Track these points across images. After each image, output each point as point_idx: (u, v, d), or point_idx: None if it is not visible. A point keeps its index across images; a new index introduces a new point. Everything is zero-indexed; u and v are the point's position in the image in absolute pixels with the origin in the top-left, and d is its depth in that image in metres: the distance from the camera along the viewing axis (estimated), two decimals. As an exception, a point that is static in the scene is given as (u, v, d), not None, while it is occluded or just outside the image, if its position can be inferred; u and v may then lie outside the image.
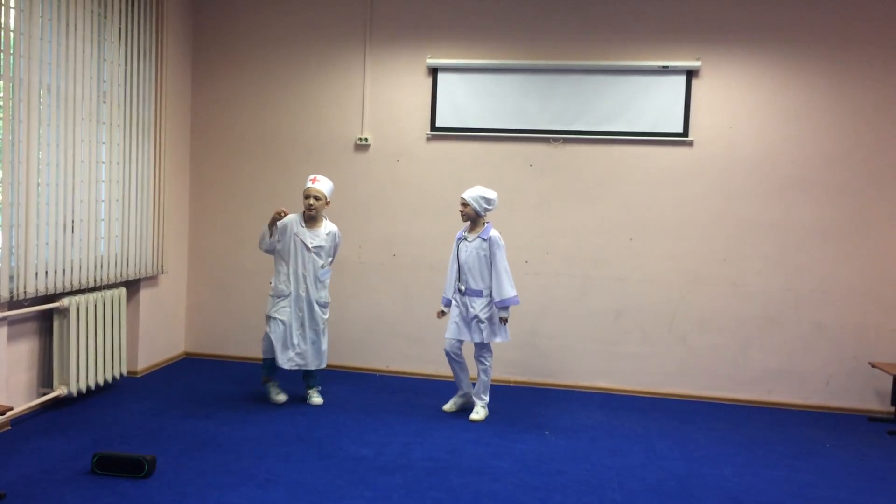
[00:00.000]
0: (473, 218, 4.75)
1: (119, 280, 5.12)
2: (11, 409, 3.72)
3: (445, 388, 5.48)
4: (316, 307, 4.86)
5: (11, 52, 4.08)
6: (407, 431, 4.49)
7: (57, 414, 4.52)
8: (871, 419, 5.20)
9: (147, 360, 5.66)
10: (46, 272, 4.40)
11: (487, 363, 4.80)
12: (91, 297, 4.74)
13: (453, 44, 5.72)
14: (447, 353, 4.84)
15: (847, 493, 3.80)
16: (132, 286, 5.44)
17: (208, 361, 6.07)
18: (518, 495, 3.58)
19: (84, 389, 4.71)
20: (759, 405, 5.44)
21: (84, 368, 4.69)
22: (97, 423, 4.38)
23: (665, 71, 5.45)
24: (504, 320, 4.72)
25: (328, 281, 4.96)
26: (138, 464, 3.57)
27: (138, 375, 5.52)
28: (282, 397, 4.96)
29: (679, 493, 3.70)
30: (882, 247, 5.31)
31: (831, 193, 5.35)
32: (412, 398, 5.23)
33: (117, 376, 5.09)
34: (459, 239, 4.82)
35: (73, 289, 4.64)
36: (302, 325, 4.83)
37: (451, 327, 4.81)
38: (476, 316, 4.71)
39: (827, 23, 5.29)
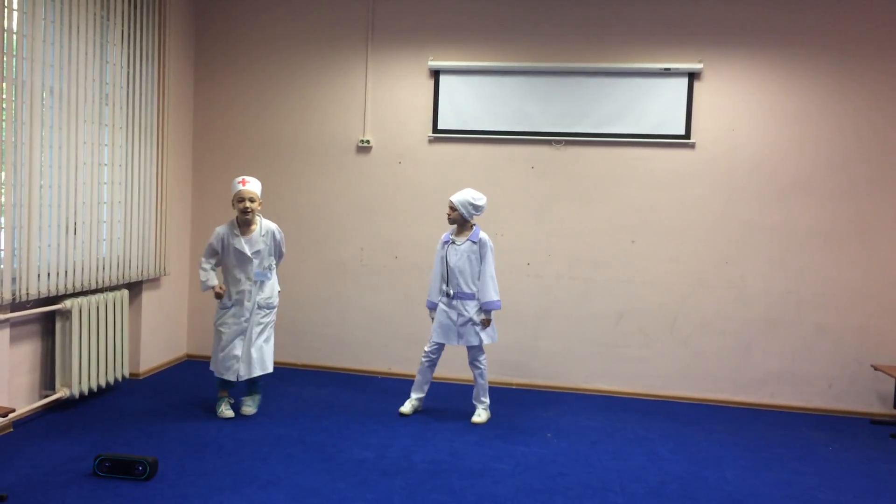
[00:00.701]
0: (460, 222, 4.72)
1: (121, 282, 5.12)
2: (14, 410, 3.72)
3: (446, 389, 5.48)
4: (258, 310, 4.59)
5: (14, 54, 4.09)
6: (408, 434, 4.48)
7: (59, 416, 4.52)
8: (874, 422, 5.19)
9: (149, 361, 5.66)
10: (49, 274, 4.40)
11: (482, 366, 4.77)
12: (93, 298, 4.75)
13: (455, 46, 5.73)
14: (426, 355, 4.81)
15: (850, 497, 3.79)
16: (134, 288, 5.44)
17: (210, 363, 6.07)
18: (520, 498, 3.57)
19: (86, 391, 4.71)
20: (762, 408, 5.43)
21: (86, 370, 4.69)
22: (99, 425, 4.39)
23: (667, 73, 5.45)
24: (486, 322, 4.70)
25: (271, 281, 4.68)
26: (140, 466, 3.57)
27: (140, 377, 5.53)
28: (229, 413, 4.64)
29: (681, 495, 3.70)
30: (884, 249, 5.30)
31: (834, 196, 5.34)
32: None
33: (119, 378, 5.09)
34: (446, 242, 4.78)
35: (76, 291, 4.65)
36: (244, 332, 4.58)
37: (437, 332, 4.76)
38: (470, 319, 4.67)
39: (829, 25, 5.28)
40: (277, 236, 4.71)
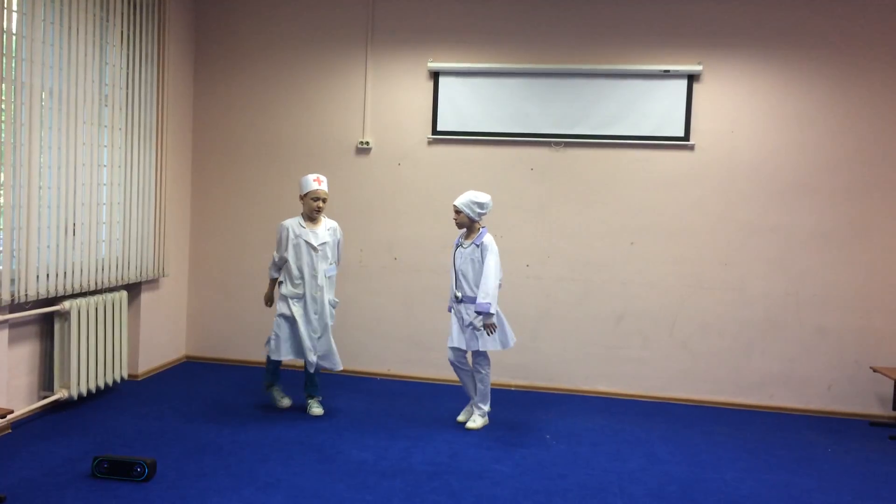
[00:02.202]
0: (467, 224, 4.66)
1: (120, 283, 5.12)
2: (12, 412, 3.71)
3: (446, 391, 5.47)
4: (328, 308, 4.78)
5: (13, 55, 4.09)
6: (407, 435, 4.48)
7: (57, 417, 4.52)
8: (873, 424, 5.19)
9: (148, 363, 5.66)
10: (48, 275, 4.40)
11: (484, 371, 4.69)
12: (92, 300, 4.75)
13: (455, 48, 5.73)
14: (451, 363, 4.74)
15: (849, 498, 3.79)
16: (133, 289, 5.44)
17: (209, 365, 6.07)
18: (519, 499, 3.57)
19: (85, 393, 4.71)
20: (761, 410, 5.43)
21: (85, 372, 4.69)
22: (98, 427, 4.38)
23: (666, 75, 5.45)
24: (489, 327, 4.46)
25: (335, 278, 4.90)
26: (139, 467, 3.57)
27: (139, 379, 5.52)
28: (286, 401, 4.94)
29: (680, 497, 3.70)
30: (884, 251, 5.31)
31: (833, 198, 5.35)
32: (413, 402, 5.23)
33: (118, 379, 5.09)
34: (457, 245, 4.76)
35: (75, 292, 4.64)
36: (312, 325, 4.74)
37: (450, 336, 4.72)
38: (471, 324, 4.59)
39: (828, 27, 5.29)
40: (338, 234, 4.92)
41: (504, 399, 5.38)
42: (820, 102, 5.34)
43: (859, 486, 3.97)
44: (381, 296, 5.94)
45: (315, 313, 4.74)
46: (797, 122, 5.37)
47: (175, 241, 5.92)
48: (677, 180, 5.51)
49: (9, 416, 4.06)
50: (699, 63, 5.43)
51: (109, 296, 4.95)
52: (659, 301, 5.57)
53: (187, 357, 6.22)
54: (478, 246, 4.63)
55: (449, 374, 5.68)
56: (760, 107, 5.40)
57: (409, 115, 5.82)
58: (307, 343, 4.69)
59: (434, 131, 5.77)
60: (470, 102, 5.71)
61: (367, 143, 5.87)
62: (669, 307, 5.56)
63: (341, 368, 4.88)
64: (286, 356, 4.75)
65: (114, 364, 5.02)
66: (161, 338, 5.83)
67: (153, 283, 5.65)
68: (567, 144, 5.63)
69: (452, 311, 4.75)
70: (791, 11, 5.33)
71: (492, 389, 5.57)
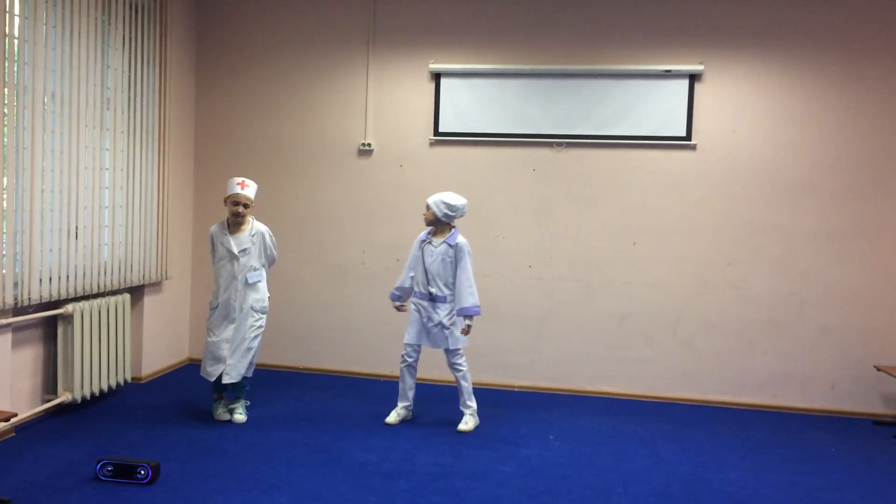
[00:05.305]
0: (433, 222, 4.65)
1: (123, 286, 5.13)
2: (16, 415, 3.72)
3: (449, 393, 5.46)
4: (250, 312, 4.57)
5: (16, 59, 4.10)
6: (411, 436, 4.48)
7: (61, 420, 4.52)
8: (877, 423, 5.18)
9: (151, 366, 5.66)
10: (50, 278, 4.41)
11: (464, 368, 4.65)
12: (95, 303, 4.75)
13: (456, 49, 5.73)
14: (403, 358, 4.71)
15: (853, 498, 3.79)
16: (136, 292, 5.44)
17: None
18: (523, 500, 3.56)
19: (88, 395, 4.71)
20: (765, 409, 5.42)
21: (88, 374, 4.69)
22: (101, 430, 4.39)
23: (668, 75, 5.45)
24: (467, 329, 4.57)
25: (262, 285, 4.66)
26: (143, 470, 3.57)
27: (142, 381, 5.53)
28: (226, 416, 4.67)
29: (684, 497, 3.69)
30: (887, 250, 5.30)
31: (836, 197, 5.34)
32: (416, 403, 5.21)
33: (121, 382, 5.09)
34: (423, 241, 4.70)
35: (77, 295, 4.65)
36: (231, 334, 4.55)
37: (409, 332, 4.70)
38: (440, 322, 4.59)
39: (830, 26, 5.29)
40: (268, 239, 4.69)
41: (507, 400, 5.38)
42: (822, 101, 5.33)
43: (864, 486, 3.96)
44: (384, 297, 5.91)
45: (232, 322, 4.55)
46: (799, 122, 5.36)
47: (177, 243, 5.93)
48: (679, 180, 5.51)
49: (12, 420, 4.07)
50: (701, 63, 5.42)
51: (112, 299, 4.95)
52: (662, 301, 5.56)
53: (190, 359, 6.23)
54: (451, 246, 4.61)
55: (450, 375, 5.67)
56: (762, 106, 5.40)
57: (411, 116, 5.82)
58: (220, 361, 4.53)
59: (436, 132, 5.78)
60: (471, 103, 5.71)
61: (369, 144, 5.87)
62: (672, 307, 5.55)
63: (235, 381, 4.56)
64: (205, 374, 4.60)
65: (117, 367, 5.02)
66: (164, 340, 5.83)
67: (156, 285, 5.65)
68: (569, 145, 5.63)
69: (415, 307, 4.70)
70: (793, 11, 5.32)
71: (494, 390, 5.59)
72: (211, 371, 4.58)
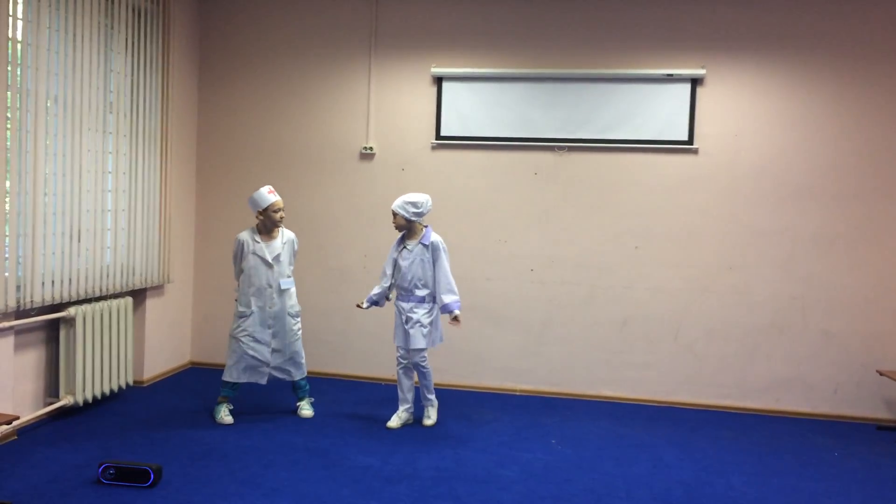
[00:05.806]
0: (406, 226, 4.66)
1: (125, 289, 5.13)
2: (18, 418, 3.73)
3: (450, 396, 5.46)
4: (287, 318, 4.74)
5: (19, 62, 4.11)
6: (413, 440, 4.48)
7: (63, 423, 4.53)
8: (880, 427, 5.17)
9: (153, 369, 5.66)
10: (53, 282, 4.41)
11: (428, 367, 4.74)
12: (97, 306, 4.75)
13: (458, 53, 5.74)
14: (398, 361, 4.77)
15: (856, 502, 3.78)
16: (138, 296, 5.45)
17: (214, 371, 6.05)
18: (525, 505, 3.56)
19: (90, 399, 4.72)
20: (767, 414, 5.41)
21: (90, 378, 4.69)
22: (103, 433, 4.39)
23: (670, 79, 5.45)
24: (456, 320, 4.56)
25: (293, 290, 4.82)
26: (145, 473, 3.57)
27: (144, 385, 5.53)
28: (229, 419, 4.71)
29: (686, 502, 3.68)
30: (890, 254, 5.29)
31: (838, 201, 5.33)
32: (418, 407, 5.21)
33: (123, 385, 5.09)
34: (400, 248, 4.73)
35: (80, 298, 4.66)
36: (274, 337, 4.72)
37: (398, 334, 4.75)
38: (419, 321, 4.62)
39: (832, 30, 5.28)
40: (295, 245, 4.90)
41: (509, 404, 5.37)
42: (825, 105, 5.33)
43: (867, 490, 3.95)
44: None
45: (269, 328, 4.70)
46: (802, 126, 5.36)
47: (180, 247, 5.93)
48: (681, 184, 5.50)
49: (15, 423, 4.07)
50: (703, 67, 5.43)
51: (114, 302, 4.96)
52: (664, 305, 5.56)
53: (192, 363, 6.23)
54: (426, 246, 4.64)
55: (452, 380, 5.69)
56: (765, 110, 5.40)
57: (413, 120, 5.83)
58: (265, 366, 4.72)
59: (438, 136, 5.78)
60: (473, 107, 5.72)
61: (371, 148, 5.88)
62: (674, 311, 5.55)
63: (303, 376, 4.87)
64: (238, 379, 4.71)
65: (119, 370, 5.02)
66: (166, 344, 5.83)
67: (158, 289, 5.66)
68: (571, 149, 5.63)
69: (397, 309, 4.74)
70: (795, 14, 5.32)
71: (496, 394, 5.59)
72: (258, 374, 4.71)
